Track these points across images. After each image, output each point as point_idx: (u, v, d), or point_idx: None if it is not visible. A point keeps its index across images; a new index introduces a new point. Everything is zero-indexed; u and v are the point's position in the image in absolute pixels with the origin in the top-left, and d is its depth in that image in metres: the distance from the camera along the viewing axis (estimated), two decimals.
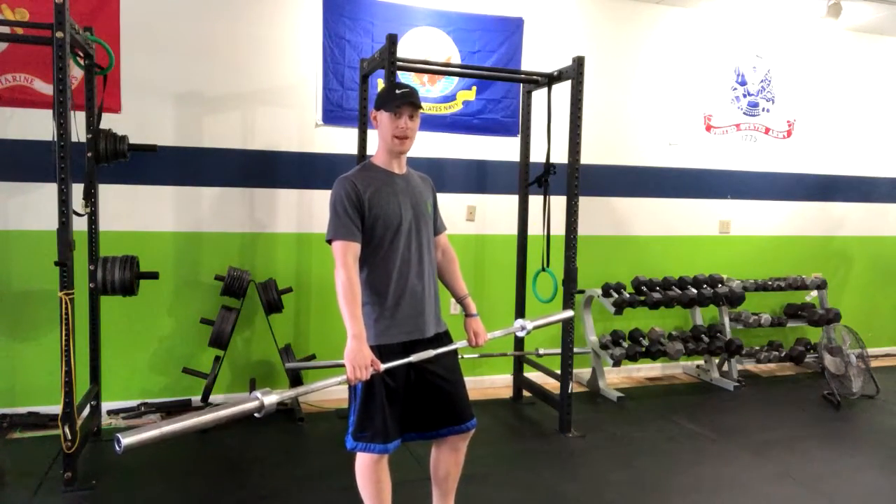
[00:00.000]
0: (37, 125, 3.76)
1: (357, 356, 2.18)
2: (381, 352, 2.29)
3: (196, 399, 4.16)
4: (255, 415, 1.92)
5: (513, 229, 4.66)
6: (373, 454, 2.34)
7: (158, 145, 3.77)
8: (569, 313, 3.02)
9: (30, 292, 3.94)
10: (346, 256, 2.28)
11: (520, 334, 2.68)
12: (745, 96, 5.53)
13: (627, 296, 4.92)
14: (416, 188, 2.47)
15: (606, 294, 4.94)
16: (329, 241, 2.32)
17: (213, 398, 4.16)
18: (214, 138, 4.23)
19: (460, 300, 2.62)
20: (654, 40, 5.20)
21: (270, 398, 1.90)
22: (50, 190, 3.08)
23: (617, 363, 4.88)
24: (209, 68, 4.19)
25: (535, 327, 2.67)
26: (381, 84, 4.28)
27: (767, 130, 5.64)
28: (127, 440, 1.63)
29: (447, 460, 2.54)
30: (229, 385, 4.34)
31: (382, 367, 2.22)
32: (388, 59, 3.45)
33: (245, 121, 4.30)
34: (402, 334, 2.37)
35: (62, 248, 2.99)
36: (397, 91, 2.37)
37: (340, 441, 3.92)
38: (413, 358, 2.30)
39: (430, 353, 2.34)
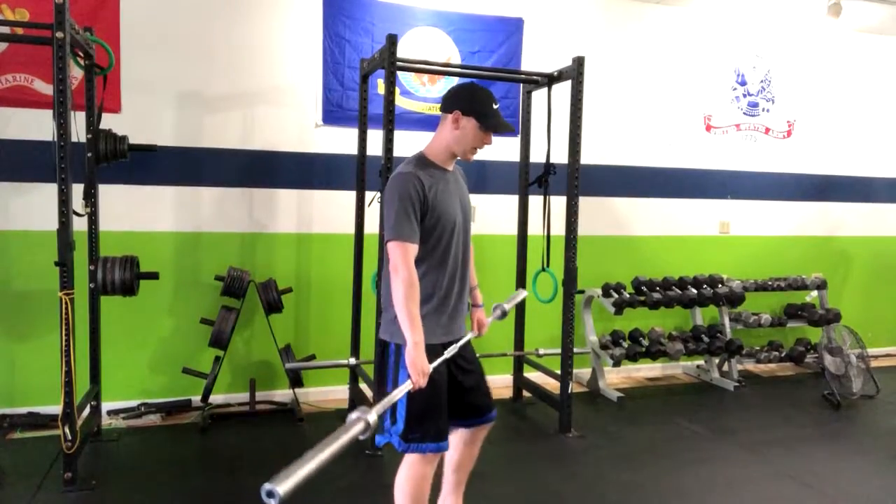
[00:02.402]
0: (37, 125, 3.76)
1: (421, 363, 2.17)
2: (428, 351, 2.27)
3: (196, 399, 4.16)
4: (360, 437, 1.82)
5: (513, 229, 4.66)
6: (426, 454, 2.32)
7: (158, 145, 3.77)
8: (524, 293, 3.04)
9: (30, 292, 3.94)
10: (407, 257, 2.21)
11: (499, 318, 2.69)
12: (745, 96, 5.53)
13: (627, 296, 4.92)
14: (462, 186, 2.48)
15: (606, 294, 4.94)
16: (389, 240, 2.24)
17: (213, 398, 4.16)
18: (214, 138, 4.23)
19: (470, 290, 2.61)
20: (654, 40, 5.20)
21: (371, 416, 1.84)
22: (50, 190, 3.08)
23: (617, 363, 4.88)
24: (209, 68, 4.19)
25: (510, 308, 2.72)
26: (381, 84, 4.28)
27: (767, 130, 5.64)
28: (283, 488, 1.45)
29: (465, 451, 2.56)
30: (229, 385, 4.34)
31: (430, 367, 2.23)
32: (388, 59, 3.46)
33: (245, 121, 4.30)
34: (445, 335, 2.36)
35: (62, 248, 2.99)
36: (495, 106, 2.33)
37: None
38: (447, 354, 2.31)
39: (457, 346, 2.36)
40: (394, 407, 2.30)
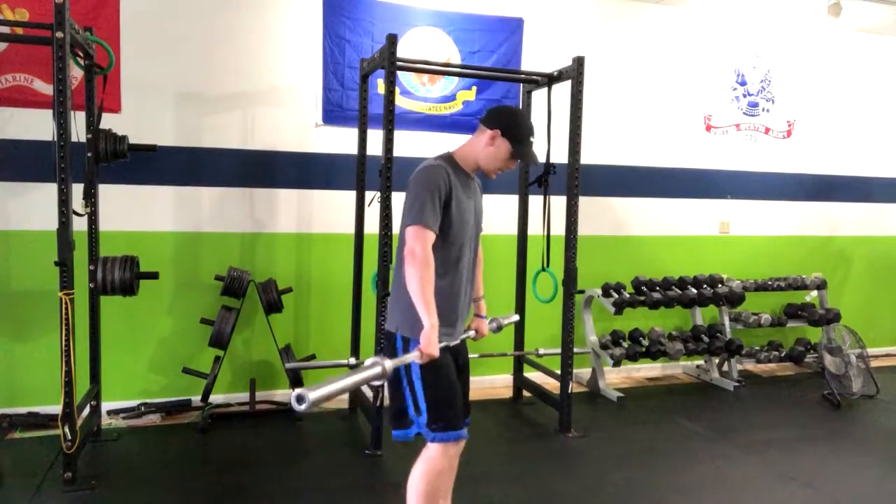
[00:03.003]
0: (37, 125, 3.75)
1: (433, 343, 2.17)
2: None
3: (196, 399, 4.16)
4: (375, 383, 2.00)
5: (513, 229, 4.66)
6: (450, 443, 2.32)
7: (158, 145, 3.78)
8: (516, 317, 3.06)
9: (30, 292, 3.94)
10: (426, 241, 2.22)
11: (495, 331, 2.77)
12: (745, 96, 5.53)
13: (627, 296, 4.92)
14: (479, 196, 2.51)
15: (606, 294, 4.94)
16: (409, 225, 2.24)
17: (213, 398, 4.16)
18: (214, 138, 4.23)
19: (476, 300, 2.64)
20: (654, 40, 5.20)
21: (387, 363, 1.98)
22: (50, 190, 3.07)
23: (617, 363, 4.88)
24: (209, 68, 4.19)
25: (506, 325, 2.81)
26: (381, 84, 4.27)
27: (767, 130, 5.64)
28: (313, 395, 1.68)
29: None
30: (229, 385, 4.34)
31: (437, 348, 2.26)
32: (388, 59, 3.46)
33: (245, 121, 4.30)
34: (447, 336, 2.36)
35: (62, 248, 2.99)
36: (532, 139, 2.40)
37: (340, 441, 3.93)
38: (452, 343, 2.35)
39: (459, 338, 2.41)
40: (415, 397, 2.31)
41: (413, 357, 2.16)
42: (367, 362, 1.96)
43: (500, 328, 2.77)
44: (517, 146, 2.36)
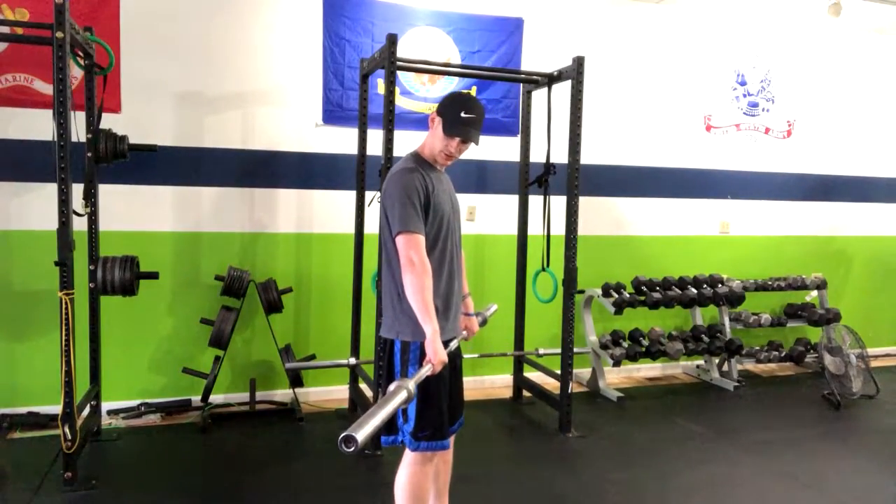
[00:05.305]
0: (37, 125, 3.75)
1: (441, 351, 2.19)
2: None
3: (196, 399, 4.16)
4: (403, 406, 2.02)
5: (513, 229, 4.66)
6: (434, 452, 2.34)
7: (158, 145, 3.77)
8: (495, 307, 3.05)
9: (30, 292, 3.94)
10: (420, 248, 2.22)
11: (480, 325, 2.78)
12: (745, 96, 5.53)
13: (627, 296, 4.92)
14: (450, 186, 2.50)
15: (606, 294, 4.94)
16: (399, 233, 2.24)
17: (213, 398, 4.16)
18: (214, 138, 4.23)
19: (462, 298, 2.63)
20: (655, 40, 5.20)
21: (411, 385, 1.99)
22: (50, 190, 3.08)
23: (617, 363, 4.88)
24: (209, 68, 4.19)
25: (489, 316, 2.85)
26: (381, 84, 4.28)
27: (767, 130, 5.64)
28: (361, 436, 1.69)
29: (442, 457, 2.55)
30: (229, 385, 4.34)
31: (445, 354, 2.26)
32: (388, 59, 3.46)
33: (245, 121, 4.30)
34: (446, 332, 2.36)
35: (62, 248, 2.99)
36: (463, 114, 2.30)
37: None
38: (451, 346, 2.35)
39: (455, 342, 2.41)
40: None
41: (427, 371, 2.16)
42: (392, 388, 1.97)
43: (485, 321, 2.80)
44: (446, 122, 2.31)
